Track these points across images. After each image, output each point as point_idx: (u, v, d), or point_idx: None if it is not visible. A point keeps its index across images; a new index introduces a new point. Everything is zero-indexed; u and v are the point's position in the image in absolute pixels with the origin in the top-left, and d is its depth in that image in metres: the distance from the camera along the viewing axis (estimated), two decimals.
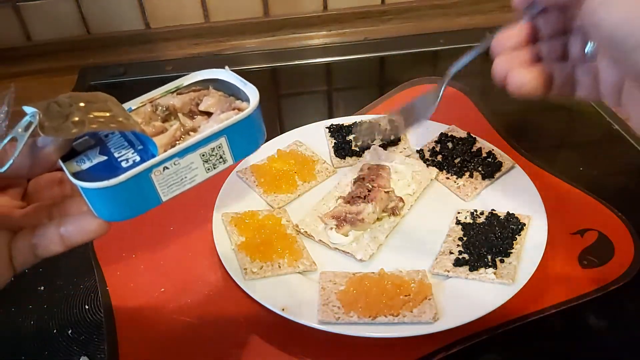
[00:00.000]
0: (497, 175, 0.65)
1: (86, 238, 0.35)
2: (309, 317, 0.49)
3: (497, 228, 0.57)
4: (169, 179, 0.34)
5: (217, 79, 0.41)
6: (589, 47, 0.39)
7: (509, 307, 0.50)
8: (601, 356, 0.50)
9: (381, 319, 0.49)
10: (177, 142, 0.36)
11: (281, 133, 0.73)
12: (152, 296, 0.56)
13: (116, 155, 0.34)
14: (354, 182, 0.63)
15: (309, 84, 0.94)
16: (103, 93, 0.35)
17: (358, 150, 0.71)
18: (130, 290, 0.57)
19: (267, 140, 0.71)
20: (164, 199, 0.34)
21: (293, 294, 0.52)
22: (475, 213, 0.60)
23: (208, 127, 0.36)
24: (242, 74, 0.41)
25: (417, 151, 0.70)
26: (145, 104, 0.39)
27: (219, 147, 0.35)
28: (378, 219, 0.60)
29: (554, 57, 0.41)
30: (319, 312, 0.50)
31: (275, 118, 0.87)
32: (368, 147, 0.70)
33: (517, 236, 0.56)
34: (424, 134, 0.72)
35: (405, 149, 0.70)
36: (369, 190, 0.60)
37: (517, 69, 0.41)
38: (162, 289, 0.56)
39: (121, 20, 0.99)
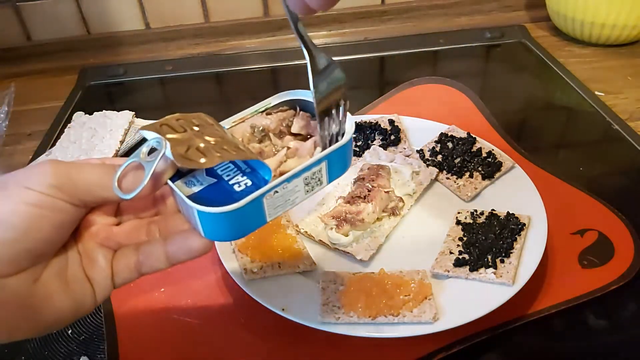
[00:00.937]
0: (497, 175, 0.65)
1: (192, 256, 0.36)
2: (309, 317, 0.49)
3: (497, 228, 0.57)
4: (276, 202, 0.35)
5: (302, 99, 0.42)
6: None
7: (509, 307, 0.49)
8: (601, 356, 0.50)
9: (381, 319, 0.49)
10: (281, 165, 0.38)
11: None
12: (152, 296, 0.56)
13: (226, 178, 0.35)
14: (354, 182, 0.63)
15: (309, 84, 0.94)
16: (202, 113, 0.36)
17: (358, 150, 0.71)
18: (130, 290, 0.57)
19: None
20: (268, 219, 0.36)
21: (293, 294, 0.52)
22: (475, 213, 0.60)
23: (305, 149, 0.39)
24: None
25: (417, 151, 0.70)
26: (237, 124, 0.40)
27: (319, 171, 0.37)
28: (378, 219, 0.60)
29: None
30: (319, 312, 0.50)
31: None
32: (368, 147, 0.70)
33: (517, 236, 0.56)
34: (424, 133, 0.72)
35: (405, 148, 0.70)
36: (369, 190, 0.60)
37: None
38: (162, 289, 0.56)
39: (121, 20, 0.99)
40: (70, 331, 0.53)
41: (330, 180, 0.39)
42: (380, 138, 0.72)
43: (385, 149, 0.70)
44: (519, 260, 0.53)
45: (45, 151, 0.77)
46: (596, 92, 0.83)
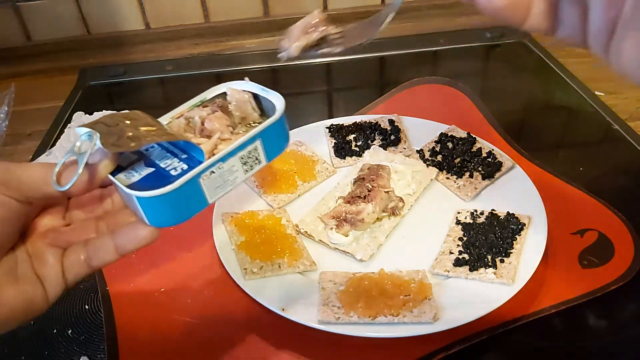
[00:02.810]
0: (497, 175, 0.65)
1: (139, 245, 0.37)
2: (309, 317, 0.49)
3: (497, 228, 0.57)
4: (215, 182, 0.37)
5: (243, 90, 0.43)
6: None
7: (509, 307, 0.49)
8: (601, 356, 0.50)
9: (381, 319, 0.49)
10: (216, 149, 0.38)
11: None
12: (152, 296, 0.56)
13: (162, 165, 0.37)
14: (354, 182, 0.63)
15: (309, 84, 0.94)
16: (139, 111, 0.38)
17: (358, 150, 0.71)
18: (130, 290, 0.57)
19: None
20: (210, 200, 0.37)
21: (293, 294, 0.52)
22: (475, 213, 0.60)
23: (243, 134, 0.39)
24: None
25: (417, 151, 0.70)
26: (176, 118, 0.42)
27: (255, 150, 0.38)
28: (378, 219, 0.60)
29: None
30: (319, 312, 0.50)
31: None
32: (368, 147, 0.70)
33: (517, 236, 0.56)
34: (424, 134, 0.72)
35: (405, 149, 0.70)
36: (369, 190, 0.60)
37: None
38: (162, 289, 0.56)
39: (121, 20, 0.99)
40: (70, 331, 0.53)
41: (269, 158, 0.39)
42: (380, 138, 0.72)
43: (385, 149, 0.70)
44: (519, 260, 0.53)
45: (45, 151, 0.77)
46: (596, 92, 0.83)
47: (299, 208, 0.63)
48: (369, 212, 0.58)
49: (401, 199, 0.61)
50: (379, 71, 0.99)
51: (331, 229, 0.58)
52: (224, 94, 0.43)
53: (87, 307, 0.55)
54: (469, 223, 0.59)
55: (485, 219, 0.59)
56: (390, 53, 0.99)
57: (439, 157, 0.68)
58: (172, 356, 0.51)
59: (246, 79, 0.43)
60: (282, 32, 0.49)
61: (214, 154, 0.37)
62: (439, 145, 0.70)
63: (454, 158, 0.68)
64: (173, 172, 0.36)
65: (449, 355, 0.49)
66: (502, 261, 0.53)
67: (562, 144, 0.78)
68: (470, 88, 0.85)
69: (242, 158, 0.38)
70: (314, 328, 0.48)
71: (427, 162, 0.68)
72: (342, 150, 0.71)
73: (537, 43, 0.98)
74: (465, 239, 0.57)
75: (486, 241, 0.56)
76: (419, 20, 1.04)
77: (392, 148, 0.70)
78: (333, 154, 0.71)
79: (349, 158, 0.70)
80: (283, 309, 0.50)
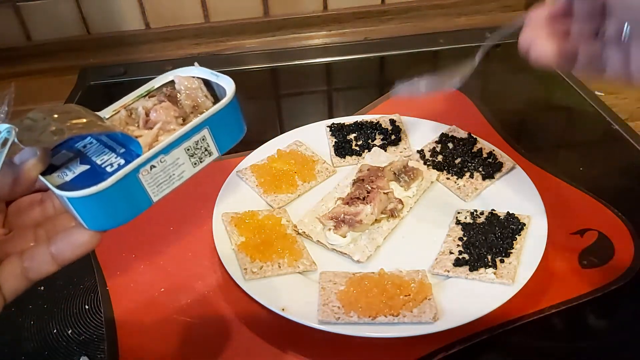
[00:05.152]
0: (498, 175, 0.64)
1: (79, 252, 0.34)
2: (309, 317, 0.49)
3: (497, 228, 0.57)
4: (157, 178, 0.33)
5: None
6: (626, 31, 0.38)
7: (509, 307, 0.50)
8: (601, 356, 0.50)
9: (381, 319, 0.49)
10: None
11: (281, 133, 0.73)
12: (152, 296, 0.56)
13: (99, 162, 0.33)
14: (353, 184, 0.63)
15: (309, 84, 0.94)
16: (75, 104, 0.35)
17: (358, 149, 0.71)
18: (130, 290, 0.57)
19: (267, 140, 0.72)
20: (154, 199, 0.34)
21: (293, 294, 0.52)
22: (475, 213, 0.60)
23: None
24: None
25: (418, 151, 0.70)
26: (119, 111, 0.38)
27: (203, 140, 0.35)
28: (377, 221, 0.60)
29: (584, 36, 0.40)
30: (319, 312, 0.50)
31: (275, 118, 0.87)
32: (368, 147, 0.70)
33: (517, 236, 0.56)
34: (424, 134, 0.72)
35: (405, 148, 0.70)
36: (368, 192, 0.60)
37: (540, 40, 0.41)
38: (162, 289, 0.56)
39: (121, 20, 0.99)
40: (70, 331, 0.53)
41: (222, 149, 0.36)
42: (381, 138, 0.72)
43: (385, 148, 0.70)
44: (519, 260, 0.53)
45: None
46: (596, 92, 0.83)
47: (299, 208, 0.63)
48: (367, 214, 0.58)
49: (400, 201, 0.61)
50: (379, 71, 0.99)
51: (329, 229, 0.58)
52: (173, 82, 0.39)
53: (87, 307, 0.55)
54: (469, 223, 0.59)
55: (485, 219, 0.59)
56: (390, 53, 0.99)
57: (440, 158, 0.68)
58: (172, 356, 0.51)
59: (196, 64, 0.40)
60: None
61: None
62: (439, 145, 0.70)
63: (454, 158, 0.68)
64: (109, 169, 0.32)
65: (449, 355, 0.49)
66: (502, 261, 0.53)
67: (562, 144, 0.78)
68: (470, 88, 0.85)
69: (188, 149, 0.34)
70: (314, 328, 0.48)
71: (428, 163, 0.68)
72: (343, 149, 0.70)
73: None
74: (465, 239, 0.57)
75: (486, 241, 0.56)
76: (419, 20, 1.04)
77: (393, 148, 0.70)
78: (333, 153, 0.71)
79: (349, 157, 0.70)
80: (283, 309, 0.50)
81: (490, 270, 0.52)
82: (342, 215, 0.58)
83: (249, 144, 0.72)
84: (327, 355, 0.50)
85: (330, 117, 0.76)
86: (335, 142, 0.72)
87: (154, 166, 0.33)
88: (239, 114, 0.37)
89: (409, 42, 1.00)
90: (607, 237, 0.58)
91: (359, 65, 0.97)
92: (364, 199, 0.59)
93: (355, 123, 0.74)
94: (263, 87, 0.93)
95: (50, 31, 0.99)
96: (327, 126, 0.74)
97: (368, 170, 0.63)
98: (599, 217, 0.61)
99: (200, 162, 0.35)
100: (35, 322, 0.54)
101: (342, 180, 0.66)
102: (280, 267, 0.54)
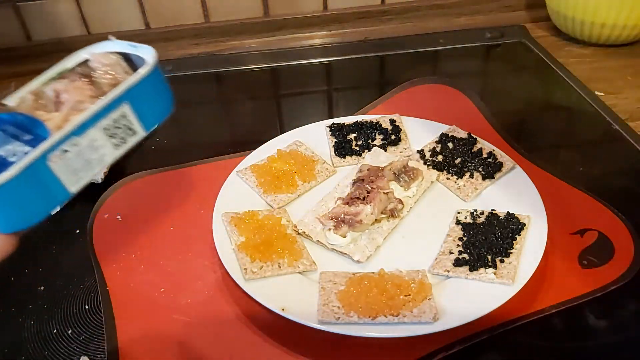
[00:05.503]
0: (498, 176, 0.64)
1: None
2: (309, 317, 0.49)
3: (497, 228, 0.57)
4: (73, 163, 0.29)
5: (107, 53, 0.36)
6: None
7: (509, 307, 0.50)
8: (601, 356, 0.50)
9: (381, 319, 0.49)
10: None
11: (281, 133, 0.73)
12: (152, 296, 0.56)
13: (2, 153, 0.30)
14: (353, 184, 0.63)
15: (309, 84, 0.94)
16: None
17: (358, 149, 0.71)
18: (130, 290, 0.57)
19: (267, 140, 0.72)
20: (72, 189, 0.30)
21: (293, 294, 0.52)
22: (475, 213, 0.60)
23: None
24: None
25: (418, 151, 0.70)
26: (29, 94, 0.35)
27: (123, 117, 0.31)
28: (377, 221, 0.60)
29: None
30: (319, 312, 0.50)
31: (275, 118, 0.87)
32: (368, 146, 0.70)
33: (517, 236, 0.56)
34: (424, 134, 0.72)
35: (405, 148, 0.70)
36: (368, 192, 0.60)
37: None
38: (162, 289, 0.56)
39: (121, 20, 0.99)
40: (70, 331, 0.53)
41: (147, 127, 0.32)
42: (381, 137, 0.72)
43: (385, 148, 0.70)
44: (519, 260, 0.53)
45: None
46: (596, 92, 0.83)
47: (299, 208, 0.63)
48: (367, 214, 0.58)
49: (400, 201, 0.61)
50: (379, 71, 0.99)
51: (329, 229, 0.58)
52: (87, 61, 0.36)
53: (87, 307, 0.55)
54: (469, 223, 0.59)
55: (485, 219, 0.59)
56: (390, 53, 0.99)
57: (440, 158, 0.68)
58: (172, 356, 0.51)
59: (111, 37, 0.36)
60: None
61: None
62: (439, 145, 0.70)
63: (454, 158, 0.68)
64: (13, 159, 0.29)
65: (449, 355, 0.49)
66: (502, 261, 0.53)
67: (562, 144, 0.78)
68: (470, 88, 0.85)
69: (107, 129, 0.30)
70: (314, 328, 0.48)
71: (428, 163, 0.68)
72: (343, 149, 0.71)
73: (537, 43, 0.98)
74: (465, 239, 0.57)
75: (486, 241, 0.56)
76: (419, 20, 1.04)
77: (393, 148, 0.70)
78: (333, 153, 0.71)
79: (349, 157, 0.70)
80: (283, 309, 0.50)
81: (490, 270, 0.52)
82: (342, 215, 0.58)
83: (249, 144, 0.72)
84: (327, 355, 0.50)
85: (330, 117, 0.76)
86: (335, 142, 0.72)
87: (67, 150, 0.29)
88: (163, 86, 0.33)
89: (409, 42, 1.00)
90: (607, 237, 0.58)
91: (359, 65, 0.97)
92: (364, 199, 0.59)
93: (355, 123, 0.74)
94: (263, 87, 0.93)
95: (50, 31, 0.99)
96: (327, 126, 0.74)
97: (368, 170, 0.63)
98: (599, 217, 0.61)
99: (123, 142, 0.32)
100: (35, 322, 0.54)
101: (342, 180, 0.66)
102: (280, 267, 0.55)
